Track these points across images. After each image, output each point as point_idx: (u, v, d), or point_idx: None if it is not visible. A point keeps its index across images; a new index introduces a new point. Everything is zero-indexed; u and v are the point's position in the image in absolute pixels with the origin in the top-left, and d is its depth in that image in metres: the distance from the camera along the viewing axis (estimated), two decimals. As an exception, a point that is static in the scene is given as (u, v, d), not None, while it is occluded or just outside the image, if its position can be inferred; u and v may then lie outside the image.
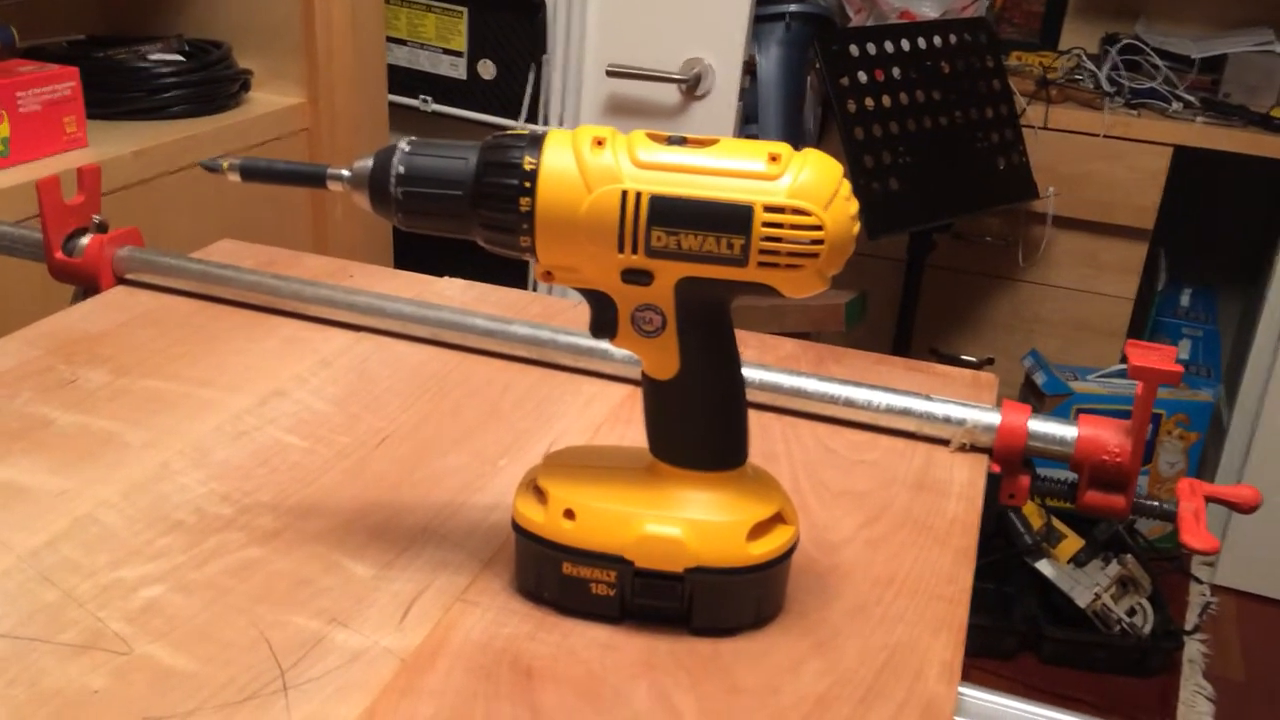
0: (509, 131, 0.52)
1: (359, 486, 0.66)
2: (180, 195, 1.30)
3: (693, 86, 1.60)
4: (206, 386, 0.76)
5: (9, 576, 0.56)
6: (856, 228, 0.50)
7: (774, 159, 0.49)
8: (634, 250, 0.50)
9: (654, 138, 0.50)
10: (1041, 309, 2.36)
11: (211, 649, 0.52)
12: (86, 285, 0.89)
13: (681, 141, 0.50)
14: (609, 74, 1.60)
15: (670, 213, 0.49)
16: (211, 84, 1.41)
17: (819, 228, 0.49)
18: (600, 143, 0.50)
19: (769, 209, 0.48)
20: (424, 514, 0.64)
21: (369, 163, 0.52)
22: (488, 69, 1.72)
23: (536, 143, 0.50)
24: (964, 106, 2.01)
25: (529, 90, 1.70)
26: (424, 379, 0.79)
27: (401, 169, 0.51)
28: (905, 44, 1.94)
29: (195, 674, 0.51)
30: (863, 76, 1.88)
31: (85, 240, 0.88)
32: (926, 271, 2.17)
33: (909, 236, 2.11)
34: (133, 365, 0.78)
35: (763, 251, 0.49)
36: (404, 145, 0.51)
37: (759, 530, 0.54)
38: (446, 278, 0.96)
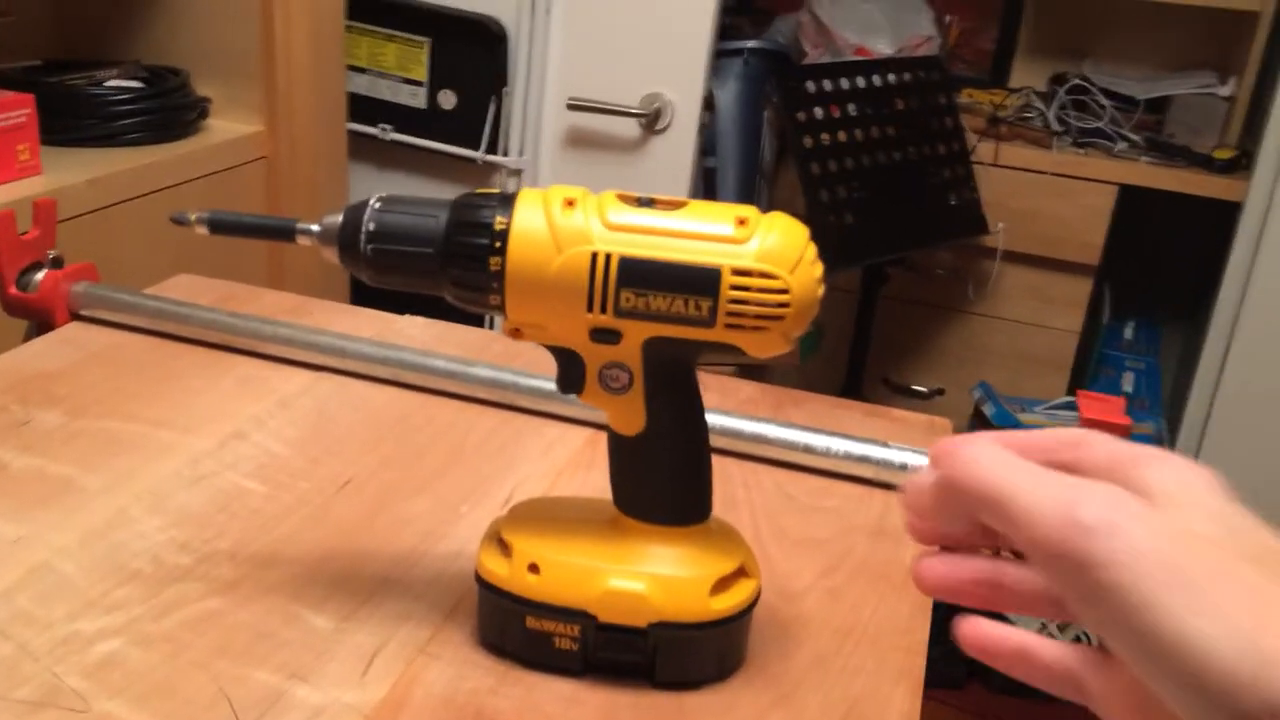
0: (480, 190, 0.52)
1: (320, 534, 0.66)
2: (136, 224, 1.28)
3: (653, 121, 1.62)
4: (164, 428, 0.75)
5: (-39, 629, 0.55)
6: (821, 290, 0.51)
7: (741, 223, 0.50)
8: (603, 310, 0.50)
9: (624, 199, 0.51)
10: (991, 341, 2.40)
11: (170, 706, 0.52)
12: (40, 321, 0.88)
13: (650, 203, 0.51)
14: (569, 107, 1.61)
15: (640, 274, 0.49)
16: (169, 111, 1.40)
17: (785, 291, 0.49)
18: (571, 203, 0.50)
19: (736, 272, 0.49)
20: (385, 562, 0.64)
21: (338, 219, 0.52)
22: (448, 99, 1.72)
23: (508, 202, 0.51)
24: (917, 142, 2.05)
25: (489, 121, 1.70)
26: (386, 421, 0.79)
27: (371, 226, 0.51)
28: (860, 81, 1.97)
29: (154, 732, 0.50)
30: (819, 112, 1.90)
31: (40, 275, 0.87)
32: (879, 303, 2.19)
33: (863, 270, 2.13)
34: (89, 405, 0.77)
35: (730, 314, 0.50)
36: (374, 202, 0.52)
37: (722, 585, 0.55)
38: (407, 316, 0.96)
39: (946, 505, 0.33)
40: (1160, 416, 2.38)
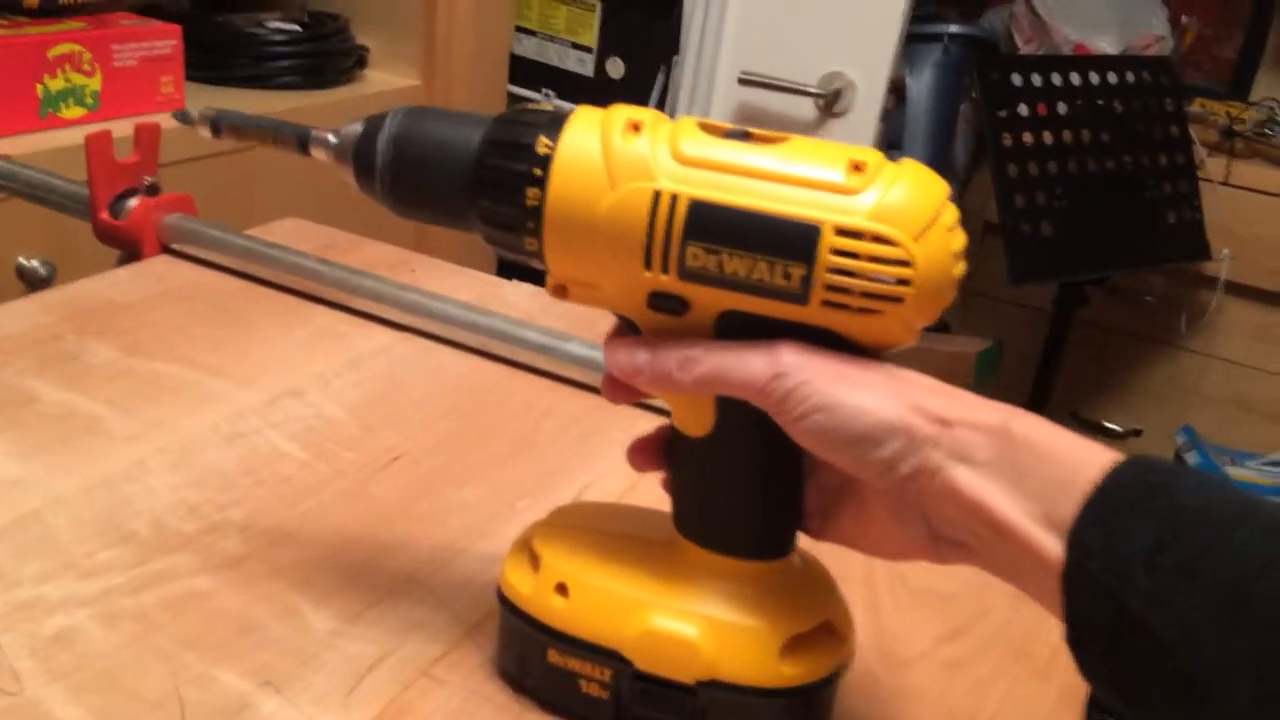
0: (530, 105, 0.41)
1: (350, 514, 0.57)
2: (276, 172, 1.24)
3: (831, 102, 1.48)
4: (218, 376, 0.68)
5: (-80, 576, 0.48)
6: (959, 270, 0.38)
7: (857, 168, 0.37)
8: (664, 269, 0.39)
9: (706, 128, 0.39)
10: (1201, 382, 2.14)
11: (114, 701, 0.43)
12: (130, 251, 0.83)
13: (744, 136, 0.39)
14: (741, 82, 1.49)
15: (713, 224, 0.37)
16: (324, 57, 1.36)
17: (906, 263, 0.36)
18: (636, 128, 0.39)
19: (842, 232, 0.37)
20: (414, 557, 0.54)
21: (357, 129, 0.42)
22: (616, 68, 1.63)
23: (557, 123, 0.39)
24: (1135, 151, 1.83)
25: (656, 93, 1.60)
26: (459, 393, 0.69)
27: (390, 142, 0.41)
28: (1075, 77, 1.76)
29: (83, 731, 0.42)
30: (1023, 109, 1.72)
31: (133, 202, 0.82)
32: (1074, 327, 1.98)
33: (1058, 286, 1.93)
34: (146, 343, 0.70)
35: (830, 288, 0.37)
36: (401, 111, 0.42)
37: (798, 643, 0.42)
38: (515, 281, 0.86)
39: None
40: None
